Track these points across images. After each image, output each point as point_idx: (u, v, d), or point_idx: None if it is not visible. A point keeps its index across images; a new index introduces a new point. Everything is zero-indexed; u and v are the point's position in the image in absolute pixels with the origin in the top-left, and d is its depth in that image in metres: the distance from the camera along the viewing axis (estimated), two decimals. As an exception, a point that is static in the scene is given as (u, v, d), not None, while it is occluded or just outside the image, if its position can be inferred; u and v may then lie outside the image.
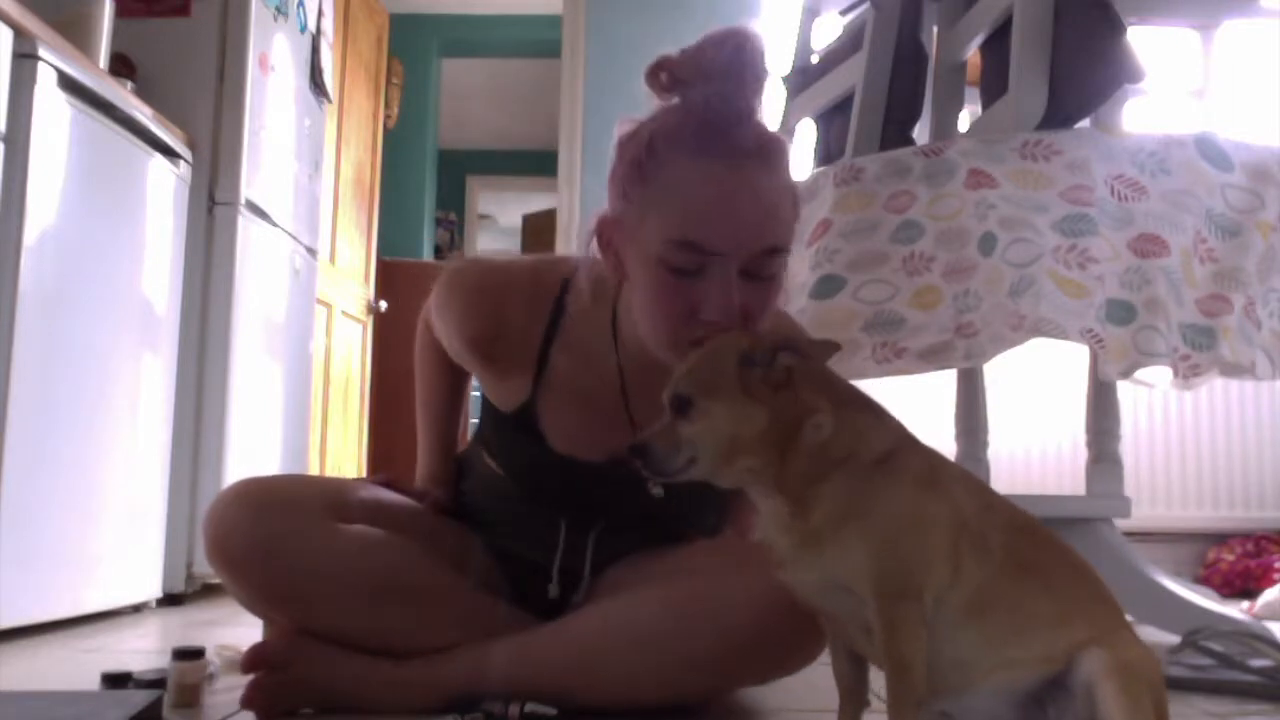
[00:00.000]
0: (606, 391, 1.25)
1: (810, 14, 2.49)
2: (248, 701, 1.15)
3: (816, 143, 2.38)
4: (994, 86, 1.93)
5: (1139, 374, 1.65)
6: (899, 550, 0.85)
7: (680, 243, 1.03)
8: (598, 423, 1.24)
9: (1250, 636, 1.54)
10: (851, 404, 0.91)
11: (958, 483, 0.91)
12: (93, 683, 1.27)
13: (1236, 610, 2.03)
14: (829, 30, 2.47)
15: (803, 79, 2.43)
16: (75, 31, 2.18)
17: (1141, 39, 1.89)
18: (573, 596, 1.30)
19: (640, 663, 1.15)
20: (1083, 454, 2.04)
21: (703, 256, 1.02)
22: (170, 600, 2.45)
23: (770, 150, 1.06)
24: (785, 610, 1.01)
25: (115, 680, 1.26)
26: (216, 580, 2.49)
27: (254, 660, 1.16)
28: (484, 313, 1.25)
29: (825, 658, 1.69)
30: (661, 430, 0.90)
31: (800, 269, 1.89)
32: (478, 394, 1.55)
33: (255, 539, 1.17)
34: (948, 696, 0.88)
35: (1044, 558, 0.90)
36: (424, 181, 5.06)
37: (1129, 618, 0.95)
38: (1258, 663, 1.46)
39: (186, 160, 2.50)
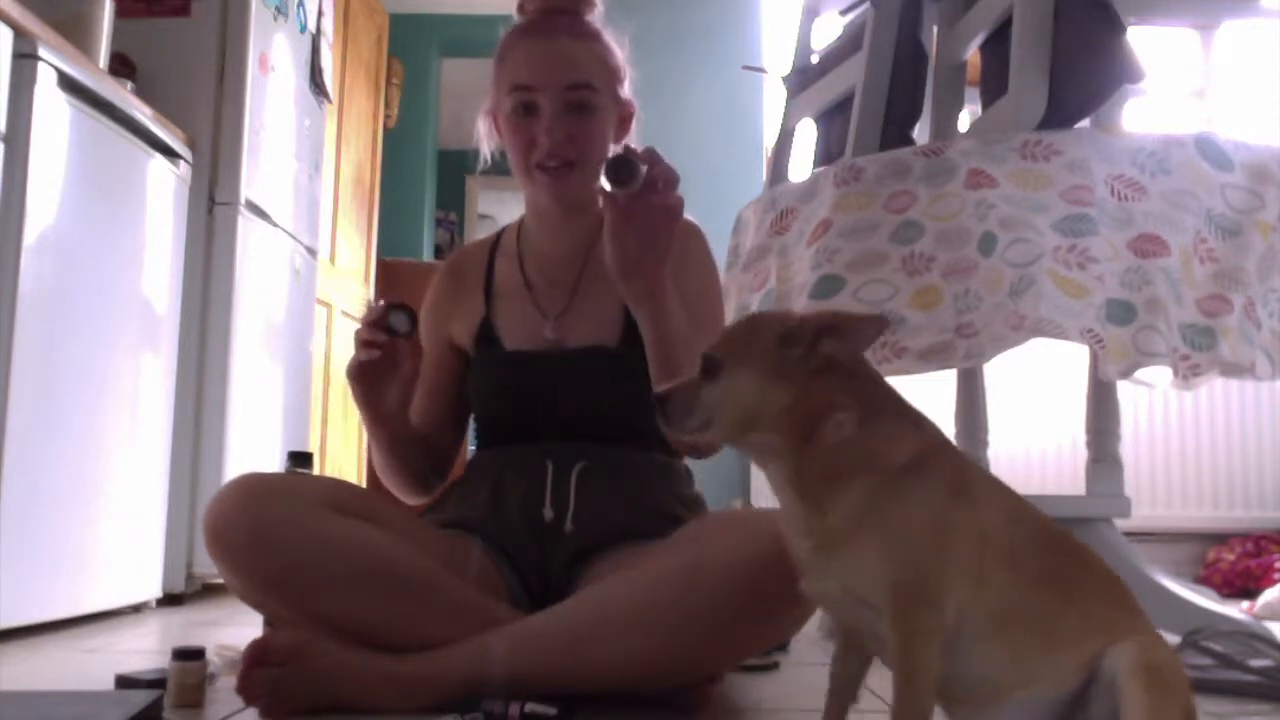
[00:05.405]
0: (525, 277, 1.52)
1: (810, 14, 2.49)
2: (240, 690, 1.15)
3: (816, 143, 2.38)
4: (994, 86, 1.93)
5: (1139, 374, 1.65)
6: (917, 558, 0.82)
7: (512, 87, 1.42)
8: (535, 312, 1.49)
9: (1250, 636, 1.54)
10: (884, 408, 0.88)
11: (989, 494, 0.88)
12: (92, 683, 1.27)
13: (1236, 610, 2.03)
14: (829, 30, 2.47)
15: (803, 79, 2.43)
16: (75, 31, 2.18)
17: (1141, 39, 1.89)
18: (564, 525, 1.36)
19: (639, 631, 1.15)
20: (1083, 454, 2.04)
21: (528, 94, 1.40)
22: (170, 600, 2.45)
23: (574, 27, 1.44)
24: (777, 570, 1.02)
25: (131, 684, 1.26)
26: (216, 580, 2.50)
27: (255, 655, 1.16)
28: (449, 262, 1.62)
29: (824, 658, 1.70)
30: (684, 386, 0.89)
31: (800, 269, 1.89)
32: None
33: (249, 525, 1.19)
34: (974, 709, 0.86)
35: (1071, 569, 0.88)
36: (424, 181, 5.04)
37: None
38: (1258, 663, 1.46)
39: (186, 160, 2.50)
